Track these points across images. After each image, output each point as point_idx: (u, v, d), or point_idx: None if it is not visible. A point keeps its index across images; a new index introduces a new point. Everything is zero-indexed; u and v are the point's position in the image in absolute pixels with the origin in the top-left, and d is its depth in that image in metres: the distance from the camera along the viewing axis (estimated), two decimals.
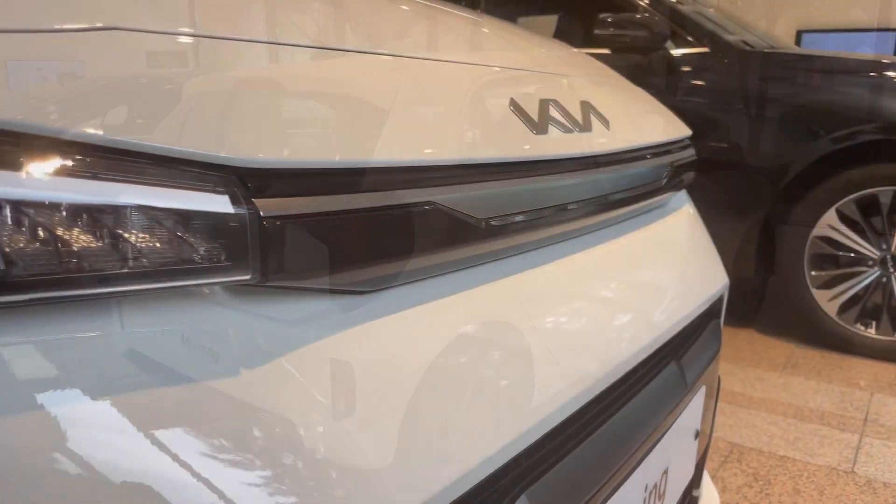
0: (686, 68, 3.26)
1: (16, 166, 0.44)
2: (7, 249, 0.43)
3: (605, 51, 3.26)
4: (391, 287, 0.66)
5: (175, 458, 0.48)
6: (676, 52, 3.29)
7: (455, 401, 0.68)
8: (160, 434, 0.48)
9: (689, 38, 3.31)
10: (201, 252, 0.50)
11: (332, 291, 0.61)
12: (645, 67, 3.24)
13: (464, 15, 1.14)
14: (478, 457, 0.67)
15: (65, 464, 0.44)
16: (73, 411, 0.45)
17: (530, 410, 0.75)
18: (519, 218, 0.76)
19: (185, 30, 0.58)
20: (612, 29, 3.14)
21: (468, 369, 0.71)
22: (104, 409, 0.47)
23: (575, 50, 1.45)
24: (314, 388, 0.57)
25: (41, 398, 0.45)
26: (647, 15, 3.28)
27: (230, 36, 0.60)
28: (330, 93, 0.64)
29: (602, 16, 3.24)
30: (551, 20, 4.15)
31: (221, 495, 0.48)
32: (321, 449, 0.55)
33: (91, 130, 0.47)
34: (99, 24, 0.53)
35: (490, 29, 1.15)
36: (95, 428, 0.47)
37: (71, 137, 0.46)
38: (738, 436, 2.45)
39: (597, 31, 3.12)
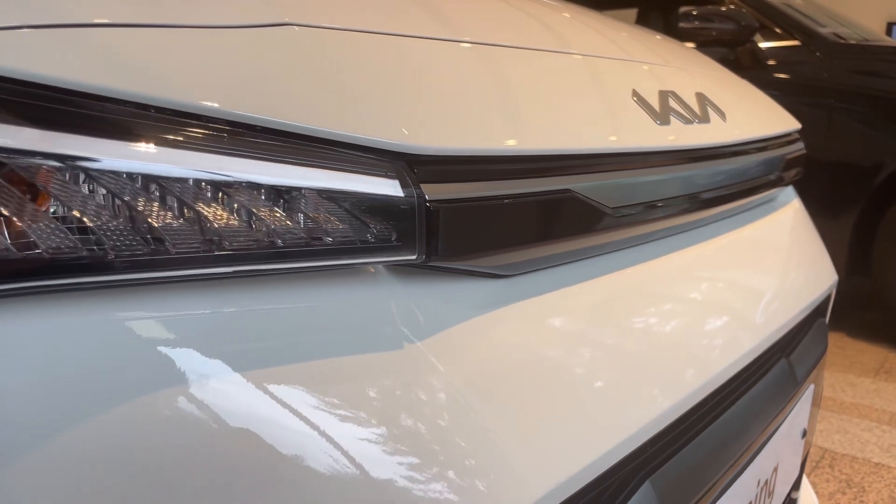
0: (775, 62, 3.16)
1: (218, 151, 0.48)
2: (217, 225, 0.47)
3: (691, 45, 3.20)
4: (527, 272, 0.69)
5: (323, 427, 0.52)
6: (765, 45, 3.20)
7: (585, 387, 0.70)
8: (315, 402, 0.52)
9: (779, 31, 3.21)
10: (374, 232, 0.53)
11: (476, 274, 0.64)
12: (732, 61, 3.16)
13: (578, 10, 1.16)
14: (607, 443, 0.69)
15: (245, 427, 0.48)
16: (253, 377, 0.49)
17: (657, 399, 0.76)
18: (646, 208, 0.77)
19: (355, 26, 0.62)
20: (697, 22, 3.08)
21: (597, 357, 0.72)
22: (279, 376, 0.51)
23: (678, 42, 1.44)
24: (456, 368, 0.60)
25: (239, 363, 0.49)
26: (733, 7, 3.20)
27: (396, 32, 0.64)
28: (483, 85, 0.67)
29: (686, 9, 3.18)
30: (630, 14, 4.10)
31: (359, 467, 0.51)
32: (458, 429, 0.57)
33: (279, 119, 0.51)
34: (276, 21, 0.57)
35: (600, 23, 1.16)
36: (269, 393, 0.50)
37: (262, 125, 0.50)
38: (829, 441, 2.38)
39: (682, 25, 3.07)
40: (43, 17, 0.47)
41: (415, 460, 0.55)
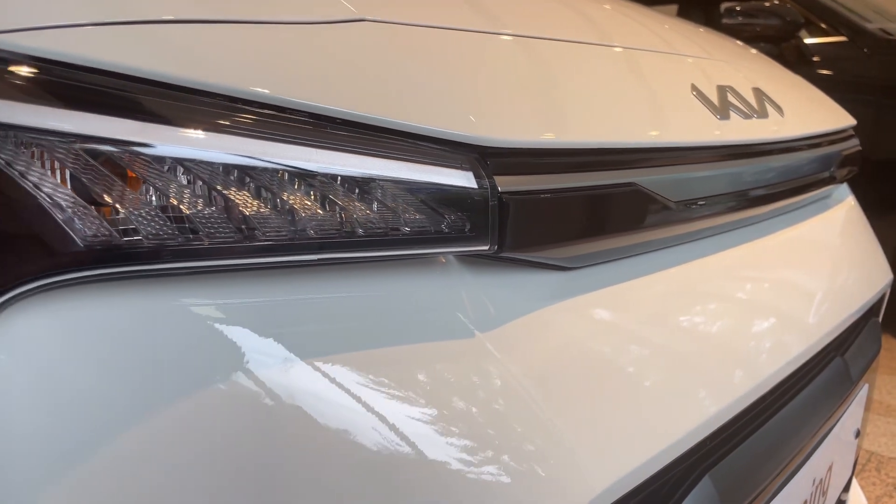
0: (821, 58, 3.10)
1: (303, 143, 0.50)
2: (303, 214, 0.49)
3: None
4: (590, 265, 0.69)
5: (394, 412, 0.53)
6: (810, 41, 3.14)
7: (646, 381, 0.70)
8: (388, 388, 0.53)
9: (824, 27, 3.15)
10: (448, 223, 0.54)
11: (542, 266, 0.64)
12: (776, 58, 3.11)
13: (634, 7, 1.16)
14: (668, 438, 0.69)
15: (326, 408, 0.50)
16: (325, 361, 0.51)
17: (716, 395, 0.76)
18: (708, 203, 0.77)
19: (427, 22, 0.63)
20: (740, 18, 3.03)
21: (657, 351, 0.73)
22: (354, 362, 0.52)
23: (729, 37, 1.43)
24: (523, 358, 0.60)
25: (317, 349, 0.51)
26: (778, 3, 3.14)
27: (467, 28, 0.65)
28: (551, 80, 0.68)
29: (730, 4, 3.13)
30: (670, 11, 4.05)
31: (426, 453, 0.52)
32: (522, 421, 0.58)
33: (358, 111, 0.52)
34: (352, 17, 0.59)
35: (655, 19, 1.15)
36: (346, 378, 0.52)
37: (342, 117, 0.52)
38: (875, 444, 2.33)
39: (725, 21, 3.02)
40: (144, 13, 0.49)
41: (483, 450, 0.56)
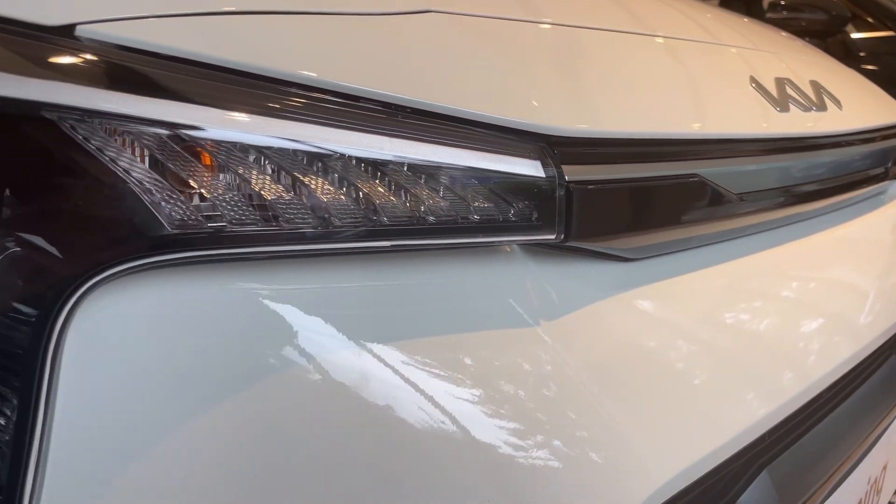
0: (867, 53, 3.03)
1: (376, 132, 0.51)
2: (377, 202, 0.50)
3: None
4: (650, 257, 0.69)
5: (458, 399, 0.53)
6: (857, 36, 3.07)
7: (706, 375, 0.70)
8: (454, 374, 0.54)
9: (872, 21, 3.08)
10: (516, 211, 0.55)
11: (604, 256, 0.64)
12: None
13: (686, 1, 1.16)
14: (728, 433, 0.68)
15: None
16: (393, 345, 0.52)
17: (776, 390, 0.75)
18: (769, 195, 0.77)
19: (493, 13, 0.64)
20: (785, 12, 2.97)
21: (716, 345, 0.72)
22: (422, 348, 0.53)
23: (781, 30, 1.41)
24: (586, 348, 0.61)
25: (385, 334, 0.52)
26: None
27: (531, 19, 0.65)
28: (615, 70, 0.68)
29: None
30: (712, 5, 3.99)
31: (488, 441, 0.53)
32: (584, 411, 0.58)
33: (428, 101, 0.53)
34: (420, 8, 0.59)
35: (709, 12, 1.14)
36: (413, 363, 0.53)
37: (413, 106, 0.52)
38: None
39: (769, 15, 2.97)
40: (229, 4, 0.50)
41: (547, 440, 0.56)
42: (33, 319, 0.43)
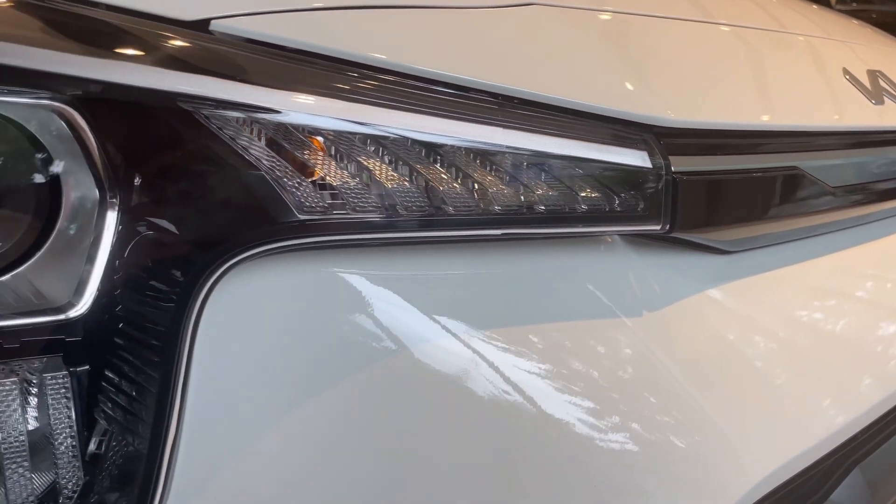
0: None
1: (489, 123, 0.52)
2: (489, 191, 0.51)
3: None
4: (747, 250, 0.69)
5: (558, 385, 0.54)
6: None
7: (801, 371, 0.69)
8: (556, 362, 0.55)
9: None
10: (622, 201, 0.55)
11: (702, 249, 0.64)
12: None
13: None
14: (824, 431, 0.68)
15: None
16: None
17: (871, 388, 0.74)
18: (865, 189, 0.75)
19: (596, 6, 0.64)
20: (855, 3, 2.88)
21: (812, 341, 0.71)
22: (527, 335, 0.54)
23: (857, 21, 1.37)
24: (686, 340, 0.61)
25: (492, 320, 0.53)
26: None
27: (635, 11, 0.66)
28: (720, 62, 0.68)
29: None
30: None
31: (586, 430, 0.54)
32: (682, 404, 0.58)
33: (537, 91, 0.54)
34: (523, 1, 0.60)
35: (788, 4, 1.12)
36: (519, 349, 0.54)
37: (522, 97, 0.53)
38: None
39: (838, 7, 2.88)
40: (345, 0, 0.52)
41: (646, 429, 0.56)
42: (175, 300, 0.45)
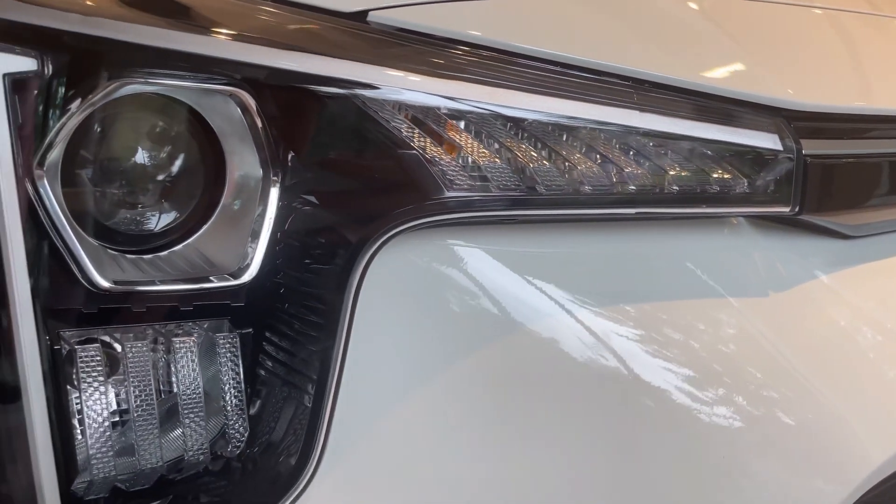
0: None
1: (626, 106, 0.54)
2: (626, 170, 0.53)
3: None
4: (869, 235, 0.69)
5: (683, 366, 0.56)
6: None
7: None
8: (683, 342, 0.56)
9: None
10: (753, 184, 0.56)
11: (825, 232, 0.65)
12: None
13: None
14: None
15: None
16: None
17: None
18: None
19: None
20: None
21: None
22: (654, 313, 0.56)
23: None
24: (811, 322, 0.61)
25: (623, 298, 0.55)
26: None
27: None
28: (850, 48, 0.68)
29: None
30: None
31: (709, 410, 0.55)
32: (804, 385, 0.59)
33: (672, 75, 0.56)
34: None
35: None
36: (649, 328, 0.56)
37: (658, 81, 0.55)
38: None
39: None
40: None
41: (769, 408, 0.58)
42: (337, 270, 0.50)
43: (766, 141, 0.56)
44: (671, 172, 0.54)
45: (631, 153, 0.54)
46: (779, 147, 0.56)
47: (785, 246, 0.61)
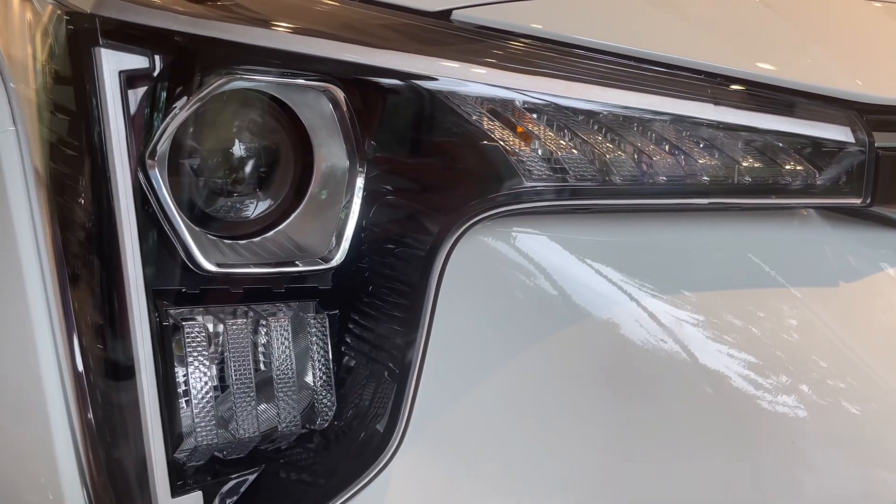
0: None
1: (698, 99, 0.56)
2: (700, 162, 0.55)
3: None
4: None
5: (752, 353, 0.57)
6: None
7: None
8: (755, 330, 0.58)
9: None
10: (826, 175, 0.58)
11: (891, 224, 0.65)
12: None
13: None
14: None
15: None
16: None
17: None
18: None
19: None
20: None
21: None
22: (726, 301, 0.58)
23: None
24: (878, 313, 0.62)
25: (692, 285, 0.57)
26: None
27: None
28: None
29: None
30: None
31: (772, 391, 0.57)
32: (873, 375, 0.60)
33: (744, 69, 0.57)
34: None
35: None
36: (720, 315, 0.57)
37: (731, 74, 0.57)
38: None
39: None
40: None
41: (835, 403, 0.59)
42: (421, 256, 0.53)
43: (838, 133, 0.57)
44: (744, 164, 0.55)
45: (704, 145, 0.55)
46: (851, 139, 0.57)
47: (855, 238, 0.62)
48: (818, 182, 0.57)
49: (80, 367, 0.52)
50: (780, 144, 0.56)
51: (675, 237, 0.58)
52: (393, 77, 0.53)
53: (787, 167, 0.56)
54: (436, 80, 0.52)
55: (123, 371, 0.51)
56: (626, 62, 0.55)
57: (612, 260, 0.56)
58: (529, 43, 0.54)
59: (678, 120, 0.55)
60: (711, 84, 0.56)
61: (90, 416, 0.52)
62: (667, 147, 0.54)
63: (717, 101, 0.55)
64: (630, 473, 0.57)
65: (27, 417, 0.56)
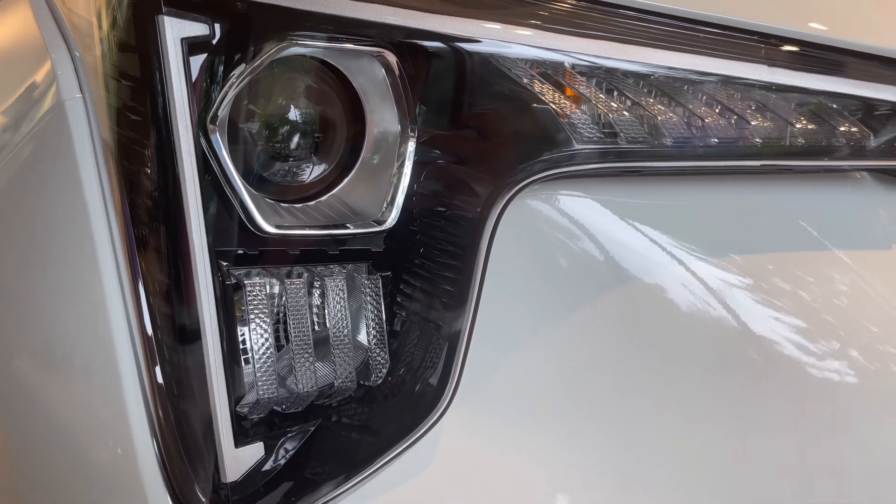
0: None
1: (755, 61, 0.55)
2: (753, 123, 0.55)
3: None
4: None
5: (800, 318, 0.57)
6: None
7: None
8: (802, 292, 0.58)
9: None
10: (880, 137, 0.57)
11: None
12: None
13: None
14: None
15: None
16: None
17: None
18: None
19: None
20: None
21: None
22: (778, 264, 0.58)
23: None
24: None
25: (740, 247, 0.57)
26: None
27: None
28: None
29: None
30: None
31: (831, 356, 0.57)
32: None
33: (802, 30, 0.57)
34: None
35: None
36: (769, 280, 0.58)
37: (788, 35, 0.56)
38: None
39: None
40: None
41: (884, 368, 0.59)
42: (472, 219, 0.54)
43: (894, 94, 0.56)
44: (797, 125, 0.55)
45: (757, 106, 0.55)
46: None
47: None
48: (872, 144, 0.57)
49: (149, 327, 0.55)
50: (834, 106, 0.56)
51: (726, 200, 0.58)
52: (444, 41, 0.53)
53: (841, 129, 0.56)
54: (485, 43, 0.53)
55: (189, 329, 0.54)
56: (678, 23, 0.55)
57: (661, 223, 0.56)
58: (580, 5, 0.54)
59: (730, 81, 0.55)
60: (765, 44, 0.55)
61: (158, 373, 0.55)
62: (718, 109, 0.54)
63: (771, 62, 0.54)
64: (669, 434, 0.58)
65: (100, 377, 0.59)
